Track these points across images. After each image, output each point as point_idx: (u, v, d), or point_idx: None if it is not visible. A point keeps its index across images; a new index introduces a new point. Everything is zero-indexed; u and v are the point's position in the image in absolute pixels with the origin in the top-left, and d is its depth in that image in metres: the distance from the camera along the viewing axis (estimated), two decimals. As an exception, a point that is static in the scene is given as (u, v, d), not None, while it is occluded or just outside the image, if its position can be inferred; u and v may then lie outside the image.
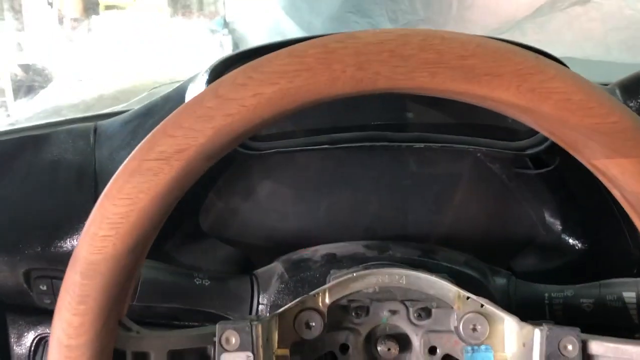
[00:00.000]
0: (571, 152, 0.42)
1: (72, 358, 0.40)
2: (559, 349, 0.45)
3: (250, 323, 0.45)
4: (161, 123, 0.41)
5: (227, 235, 0.74)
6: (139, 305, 0.59)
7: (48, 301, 0.68)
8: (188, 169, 0.40)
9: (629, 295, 0.57)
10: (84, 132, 0.71)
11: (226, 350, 0.45)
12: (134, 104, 0.76)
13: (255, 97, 0.39)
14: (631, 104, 0.69)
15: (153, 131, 0.41)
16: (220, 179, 0.72)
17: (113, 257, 0.40)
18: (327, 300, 0.51)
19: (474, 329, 0.49)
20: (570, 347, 0.45)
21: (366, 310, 0.53)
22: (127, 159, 0.41)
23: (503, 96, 0.39)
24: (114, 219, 0.40)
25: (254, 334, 0.45)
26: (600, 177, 0.41)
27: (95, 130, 0.71)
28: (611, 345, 0.44)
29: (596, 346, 0.45)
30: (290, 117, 0.71)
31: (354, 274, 0.51)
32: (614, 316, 0.57)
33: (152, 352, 0.44)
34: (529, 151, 0.64)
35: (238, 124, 0.40)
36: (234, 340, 0.45)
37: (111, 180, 0.41)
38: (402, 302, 0.53)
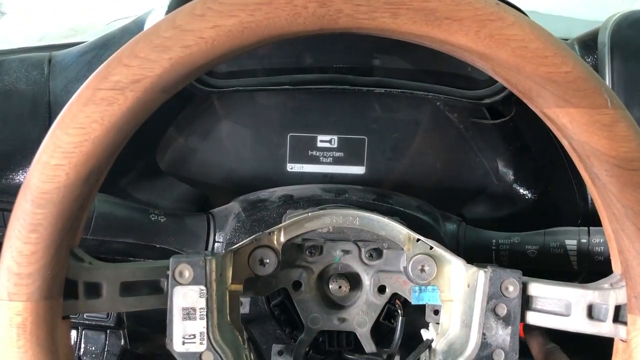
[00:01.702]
0: (525, 100, 0.43)
1: (22, 285, 0.40)
2: (500, 289, 0.47)
3: (204, 258, 0.46)
4: (116, 52, 0.40)
5: (184, 173, 0.74)
6: (93, 240, 0.59)
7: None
8: (143, 100, 0.40)
9: (571, 243, 0.60)
10: (38, 62, 0.68)
11: (179, 284, 0.46)
12: (91, 37, 0.73)
13: (214, 29, 0.38)
14: (588, 59, 0.71)
15: (108, 60, 0.40)
16: (179, 116, 0.71)
17: (66, 186, 0.40)
18: (282, 239, 0.52)
19: (422, 270, 0.51)
20: (511, 288, 0.47)
21: (320, 249, 0.55)
22: (81, 88, 0.40)
23: (462, 41, 0.40)
24: (66, 148, 0.39)
25: (207, 268, 0.46)
26: (551, 126, 0.43)
27: (49, 60, 0.69)
28: (549, 287, 0.47)
29: (535, 288, 0.47)
30: (252, 56, 0.71)
31: (309, 214, 0.52)
32: (556, 262, 0.60)
33: (104, 283, 0.44)
34: (487, 100, 0.65)
35: (196, 56, 0.39)
36: (188, 273, 0.46)
37: (64, 109, 0.40)
38: (355, 242, 0.54)
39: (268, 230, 0.51)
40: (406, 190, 0.74)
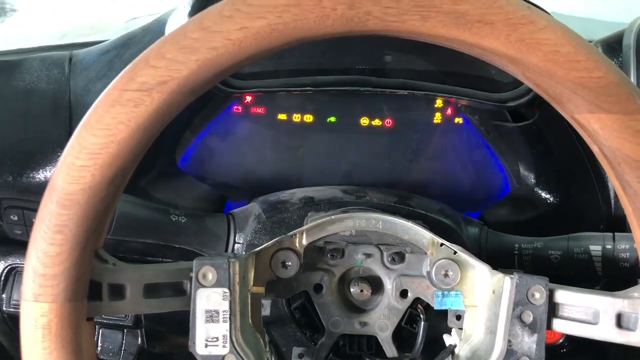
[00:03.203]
0: (555, 105, 0.42)
1: (48, 287, 0.40)
2: (527, 296, 0.46)
3: (228, 260, 0.46)
4: (143, 53, 0.39)
5: (203, 173, 0.73)
6: (113, 239, 0.59)
7: (19, 232, 0.67)
8: (170, 102, 0.40)
9: (595, 249, 0.59)
10: (59, 61, 0.69)
11: (203, 286, 0.45)
12: (111, 35, 0.73)
13: (242, 31, 0.38)
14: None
15: (134, 61, 0.39)
16: (199, 116, 0.71)
17: (91, 187, 0.39)
18: (304, 242, 0.51)
19: (446, 275, 0.51)
20: (537, 295, 0.46)
21: (341, 252, 0.54)
22: (107, 89, 0.39)
23: (492, 45, 0.39)
24: (92, 149, 0.39)
25: (231, 270, 0.46)
26: (581, 132, 0.42)
27: (70, 59, 0.69)
28: (576, 294, 0.46)
29: (562, 295, 0.46)
30: (272, 57, 0.70)
31: (332, 217, 0.52)
32: (580, 268, 0.59)
33: (128, 284, 0.44)
34: (511, 104, 0.65)
35: (223, 58, 0.39)
36: (211, 276, 0.45)
37: (90, 110, 0.40)
38: (377, 246, 0.54)
39: (290, 233, 0.51)
40: (427, 193, 0.73)
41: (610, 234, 0.60)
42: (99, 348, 0.76)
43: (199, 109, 0.71)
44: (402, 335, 0.57)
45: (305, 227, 0.51)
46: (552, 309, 0.46)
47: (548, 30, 0.38)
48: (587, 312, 0.46)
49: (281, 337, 0.59)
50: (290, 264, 0.51)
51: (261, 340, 0.50)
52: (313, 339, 0.58)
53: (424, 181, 0.75)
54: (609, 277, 0.60)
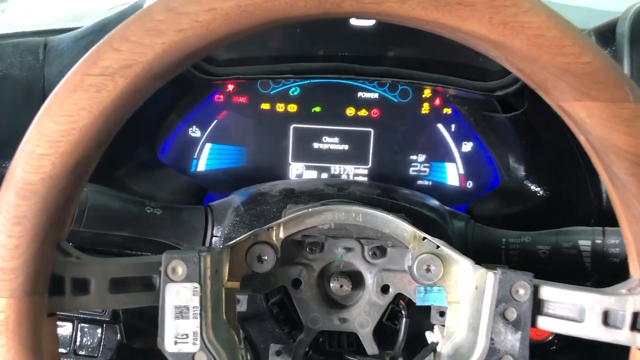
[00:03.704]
0: (540, 92, 0.40)
1: (5, 281, 0.38)
2: (510, 293, 0.44)
3: (199, 254, 0.44)
4: (106, 36, 0.37)
5: (183, 165, 0.72)
6: (88, 232, 0.57)
7: None
8: (135, 87, 0.37)
9: (584, 244, 0.57)
10: (33, 47, 0.66)
11: (172, 281, 0.43)
12: (90, 22, 0.71)
13: (210, 12, 0.36)
14: (606, 51, 0.68)
15: (97, 44, 0.37)
16: (178, 106, 0.69)
17: (52, 177, 0.37)
18: (281, 235, 0.49)
19: (428, 270, 0.49)
20: (522, 291, 0.44)
21: (321, 246, 0.52)
22: (69, 73, 0.37)
23: (474, 28, 0.37)
24: (53, 136, 0.37)
25: (202, 265, 0.44)
26: (568, 121, 0.40)
27: (45, 45, 0.67)
28: (562, 291, 0.44)
29: (547, 292, 0.44)
30: (254, 43, 0.68)
31: (310, 209, 0.50)
32: (569, 263, 0.58)
33: (92, 279, 0.42)
34: (499, 93, 0.63)
35: (191, 41, 0.37)
36: (181, 270, 0.43)
37: (51, 96, 0.38)
38: (358, 239, 0.52)
39: (267, 226, 0.49)
40: (413, 186, 0.72)
41: (600, 228, 0.58)
42: (77, 343, 0.74)
43: (179, 97, 0.68)
44: (383, 331, 0.55)
45: (282, 219, 0.49)
46: (537, 306, 0.44)
47: (532, 13, 0.36)
48: (572, 309, 0.44)
49: (259, 334, 0.57)
50: (266, 258, 0.49)
51: (235, 336, 0.48)
52: (291, 335, 0.56)
53: (410, 173, 0.73)
54: (599, 272, 0.58)
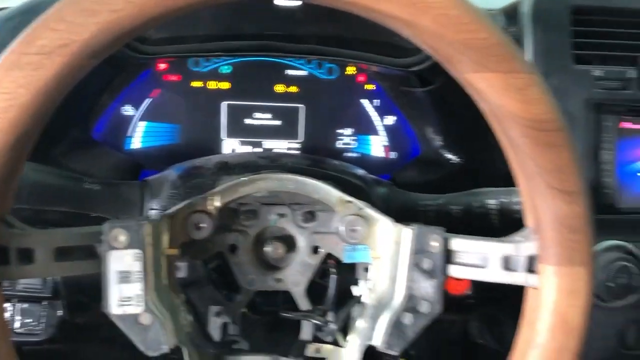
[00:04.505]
0: (447, 67, 0.45)
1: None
2: (425, 245, 0.50)
3: (139, 222, 0.46)
4: (42, 15, 0.39)
5: (118, 142, 0.73)
6: (29, 210, 0.58)
7: None
8: (71, 65, 0.39)
9: (492, 203, 0.63)
10: None
11: (115, 248, 0.46)
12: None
13: (143, -8, 0.38)
14: (512, 29, 0.74)
15: (33, 24, 0.39)
16: (112, 84, 0.70)
17: None
18: (218, 203, 0.53)
19: (353, 230, 0.53)
20: (434, 244, 0.50)
21: (255, 213, 0.56)
22: (6, 53, 0.39)
23: (387, 9, 0.41)
24: None
25: (142, 232, 0.46)
26: (471, 91, 0.45)
27: None
28: (468, 242, 0.50)
29: (456, 243, 0.50)
30: (186, 23, 0.70)
31: (245, 178, 0.53)
32: (479, 221, 0.64)
33: (36, 249, 0.44)
34: (415, 68, 0.68)
35: (124, 20, 0.39)
36: (123, 238, 0.46)
37: None
38: (290, 206, 0.56)
39: (203, 195, 0.52)
40: (340, 157, 0.76)
41: (506, 188, 0.64)
42: (19, 323, 0.74)
43: (112, 76, 0.70)
44: (315, 289, 0.59)
45: (218, 188, 0.53)
46: (448, 256, 0.50)
47: None
48: (478, 258, 0.50)
49: (199, 298, 0.60)
50: (204, 225, 0.52)
51: (177, 300, 0.51)
52: (230, 297, 0.60)
53: (339, 146, 0.78)
54: (505, 228, 0.64)
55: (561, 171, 0.44)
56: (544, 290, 0.46)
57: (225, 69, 0.73)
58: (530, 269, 0.48)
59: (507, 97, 0.43)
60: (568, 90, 0.72)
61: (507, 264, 0.49)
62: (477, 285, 0.74)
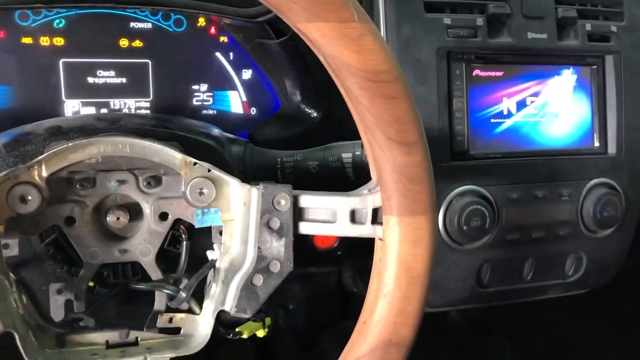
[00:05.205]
0: (280, 15, 0.43)
1: None
2: (273, 204, 0.48)
3: (-54, 200, 0.41)
4: None
5: None
6: None
7: None
8: None
9: (347, 156, 0.63)
10: None
11: None
12: None
13: None
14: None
15: None
16: None
17: None
18: (44, 173, 0.48)
19: (201, 193, 0.51)
20: (282, 202, 0.49)
21: (92, 181, 0.52)
22: None
23: None
24: None
25: (-49, 211, 0.41)
26: (307, 42, 0.43)
27: None
28: (317, 198, 0.49)
29: (305, 200, 0.49)
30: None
31: (71, 144, 0.48)
32: (335, 175, 0.64)
33: None
34: (260, 19, 0.65)
35: None
36: None
37: None
38: (130, 171, 0.52)
39: (25, 165, 0.47)
40: (194, 115, 0.72)
41: (360, 141, 0.64)
42: None
43: None
44: (168, 257, 0.57)
45: (42, 156, 0.48)
46: (298, 214, 0.49)
47: None
48: (327, 213, 0.49)
49: (39, 276, 0.55)
50: (30, 198, 0.47)
51: (5, 281, 0.46)
52: (72, 272, 0.56)
53: (194, 103, 0.74)
54: (360, 180, 0.65)
55: (398, 122, 0.43)
56: (388, 241, 0.46)
57: (58, 23, 0.66)
58: (377, 220, 0.48)
59: (342, 48, 0.42)
60: (420, 39, 0.72)
61: (355, 218, 0.49)
62: (344, 238, 0.75)
